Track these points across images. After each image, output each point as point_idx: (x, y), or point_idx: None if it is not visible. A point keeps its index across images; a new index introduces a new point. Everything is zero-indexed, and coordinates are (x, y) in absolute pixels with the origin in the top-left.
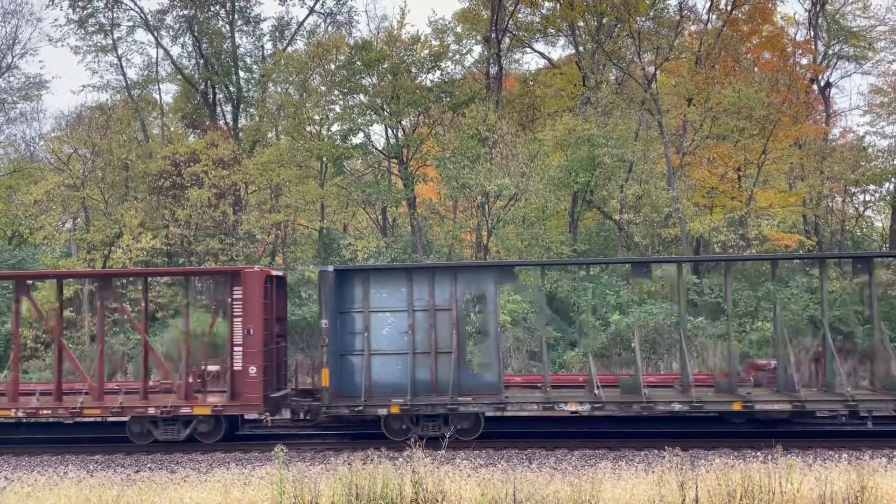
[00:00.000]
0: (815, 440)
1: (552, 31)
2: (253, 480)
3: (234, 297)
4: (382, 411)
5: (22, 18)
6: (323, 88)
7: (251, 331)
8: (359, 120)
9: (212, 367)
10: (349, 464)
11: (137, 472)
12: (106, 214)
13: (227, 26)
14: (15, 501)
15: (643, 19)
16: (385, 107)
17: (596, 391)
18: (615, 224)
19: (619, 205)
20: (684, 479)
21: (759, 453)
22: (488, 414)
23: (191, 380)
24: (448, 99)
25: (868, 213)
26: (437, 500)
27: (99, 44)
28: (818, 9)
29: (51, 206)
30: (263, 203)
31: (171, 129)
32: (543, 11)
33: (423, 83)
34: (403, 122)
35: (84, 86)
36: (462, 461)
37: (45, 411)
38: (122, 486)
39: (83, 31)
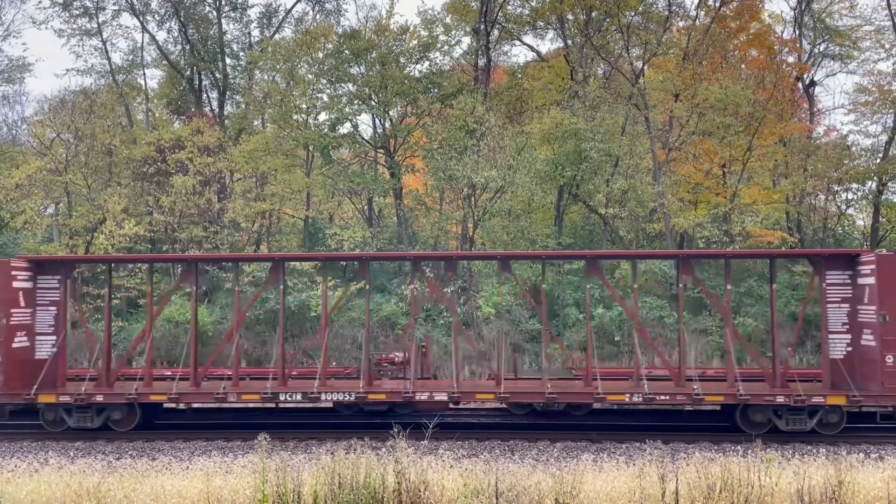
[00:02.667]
0: (794, 434)
1: (541, 24)
2: (235, 469)
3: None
4: None
5: (5, 0)
6: (310, 77)
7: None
8: (346, 109)
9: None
10: (332, 453)
11: (118, 459)
12: (89, 200)
13: (214, 12)
14: None
15: (632, 14)
16: (373, 96)
17: None
18: (600, 218)
19: (604, 199)
20: (665, 471)
21: (738, 447)
22: None
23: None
24: (436, 90)
25: (850, 211)
26: (420, 490)
27: (83, 27)
28: (804, 7)
29: (33, 190)
30: (249, 191)
31: (156, 115)
32: (533, 4)
33: (411, 73)
34: (391, 113)
35: (68, 70)
36: (445, 452)
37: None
38: (103, 473)
39: (68, 14)
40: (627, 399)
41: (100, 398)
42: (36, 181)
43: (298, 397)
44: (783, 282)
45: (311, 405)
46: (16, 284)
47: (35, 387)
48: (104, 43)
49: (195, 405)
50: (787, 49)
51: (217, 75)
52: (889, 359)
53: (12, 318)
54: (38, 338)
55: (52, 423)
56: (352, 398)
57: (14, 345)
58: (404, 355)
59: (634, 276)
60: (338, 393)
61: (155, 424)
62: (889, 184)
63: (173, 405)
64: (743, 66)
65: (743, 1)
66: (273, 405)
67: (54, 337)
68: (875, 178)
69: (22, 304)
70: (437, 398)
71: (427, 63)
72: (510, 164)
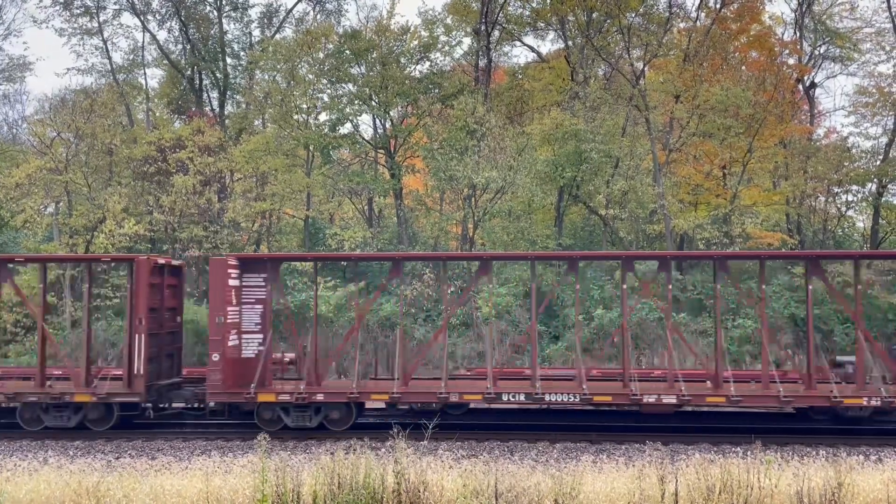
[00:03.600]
0: (793, 436)
1: (542, 24)
2: (234, 469)
3: None
4: None
5: None
6: (311, 77)
7: None
8: (346, 109)
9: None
10: (331, 453)
11: (118, 458)
12: (89, 199)
13: (215, 12)
14: None
15: (633, 15)
16: (373, 97)
17: None
18: (600, 219)
19: (604, 200)
20: (664, 472)
21: (738, 448)
22: None
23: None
24: (437, 91)
25: (850, 213)
26: (420, 491)
27: (84, 26)
28: (804, 9)
29: (33, 189)
30: (249, 191)
31: (157, 114)
32: (533, 5)
33: (412, 74)
34: (392, 113)
35: (69, 69)
36: (444, 452)
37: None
38: (103, 472)
39: (68, 13)
40: (865, 403)
41: (320, 397)
42: (36, 180)
43: (522, 398)
44: (783, 283)
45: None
46: (230, 283)
47: (253, 385)
48: (105, 42)
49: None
50: (787, 51)
51: (218, 75)
52: None
53: (227, 317)
54: (244, 336)
55: (268, 423)
56: (577, 399)
57: (229, 343)
58: (282, 356)
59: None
60: (560, 394)
61: (358, 424)
62: (889, 186)
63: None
64: (743, 67)
65: (744, 3)
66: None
67: (261, 336)
68: (875, 179)
69: (233, 302)
70: (665, 401)
71: (428, 63)
72: (511, 165)
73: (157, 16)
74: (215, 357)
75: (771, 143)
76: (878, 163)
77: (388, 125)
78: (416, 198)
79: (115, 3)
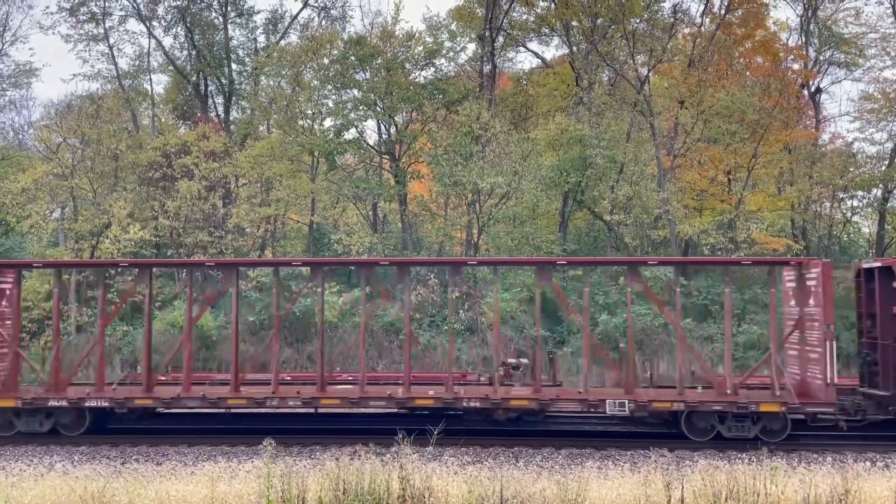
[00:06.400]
0: (800, 443)
1: (546, 30)
2: (240, 474)
3: None
4: None
5: (13, 5)
6: (316, 83)
7: None
8: (351, 115)
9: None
10: (336, 459)
11: (123, 464)
12: (94, 204)
13: (220, 18)
14: None
15: (637, 21)
16: (378, 102)
17: None
18: (605, 224)
19: (609, 205)
20: (670, 479)
21: (744, 455)
22: None
23: None
24: (441, 96)
25: (855, 218)
26: (425, 497)
27: (90, 32)
28: (810, 15)
29: (39, 194)
30: (254, 196)
31: (162, 120)
32: (538, 10)
33: (416, 80)
34: (396, 119)
35: (74, 75)
36: (449, 458)
37: None
38: (108, 478)
39: (74, 20)
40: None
41: None
42: (42, 185)
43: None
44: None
45: None
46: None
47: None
48: (111, 48)
49: None
50: (792, 56)
51: (223, 81)
52: None
53: None
54: None
55: None
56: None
57: None
58: None
59: None
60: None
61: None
62: (894, 191)
63: None
64: (748, 72)
65: (748, 8)
66: None
67: None
68: (880, 185)
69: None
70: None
71: (432, 69)
72: (515, 170)
73: (162, 22)
74: None
75: (776, 148)
76: (884, 168)
77: (392, 131)
78: (421, 203)
79: (120, 10)
